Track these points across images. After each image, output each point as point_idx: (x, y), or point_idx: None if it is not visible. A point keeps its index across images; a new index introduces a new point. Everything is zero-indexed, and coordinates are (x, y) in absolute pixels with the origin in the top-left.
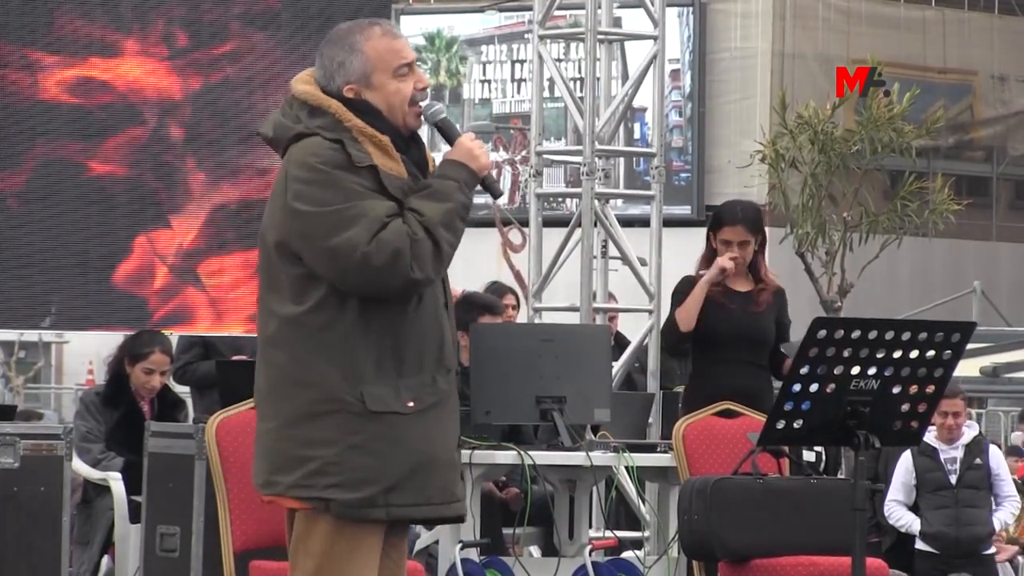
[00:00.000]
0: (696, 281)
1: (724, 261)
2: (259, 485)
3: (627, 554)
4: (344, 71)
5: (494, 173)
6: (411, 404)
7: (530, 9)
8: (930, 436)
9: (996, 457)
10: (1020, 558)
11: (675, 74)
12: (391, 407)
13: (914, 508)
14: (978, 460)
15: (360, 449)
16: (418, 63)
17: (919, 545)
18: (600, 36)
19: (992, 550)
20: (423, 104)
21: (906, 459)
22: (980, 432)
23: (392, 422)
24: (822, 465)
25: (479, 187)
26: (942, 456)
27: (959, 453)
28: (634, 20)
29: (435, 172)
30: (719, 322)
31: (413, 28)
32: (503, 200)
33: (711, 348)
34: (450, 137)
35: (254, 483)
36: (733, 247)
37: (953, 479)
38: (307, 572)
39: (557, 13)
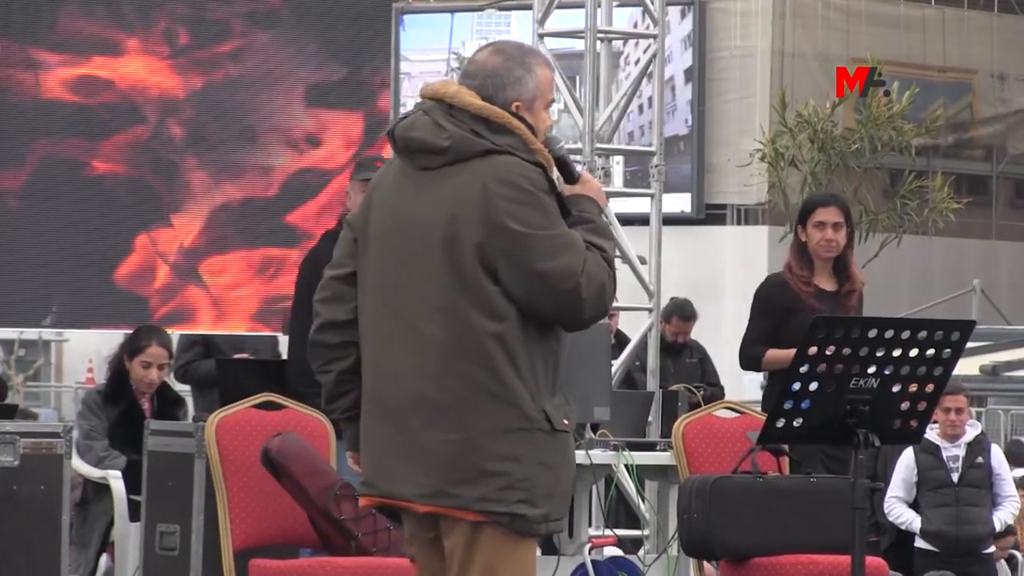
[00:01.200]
0: (782, 282)
1: None
2: (423, 495)
3: (611, 550)
4: (518, 87)
5: None
6: (566, 422)
7: (529, 8)
8: (932, 433)
9: (998, 456)
10: (1018, 555)
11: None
12: (560, 425)
13: (913, 505)
14: (980, 459)
15: (544, 466)
16: None
17: (919, 543)
18: (600, 35)
19: (991, 549)
20: (558, 144)
21: (908, 456)
22: (982, 431)
23: (563, 440)
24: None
25: None
26: (944, 454)
27: (961, 451)
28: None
29: (579, 206)
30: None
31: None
32: None
33: None
34: (569, 171)
35: (399, 492)
36: (828, 229)
37: (955, 477)
38: None
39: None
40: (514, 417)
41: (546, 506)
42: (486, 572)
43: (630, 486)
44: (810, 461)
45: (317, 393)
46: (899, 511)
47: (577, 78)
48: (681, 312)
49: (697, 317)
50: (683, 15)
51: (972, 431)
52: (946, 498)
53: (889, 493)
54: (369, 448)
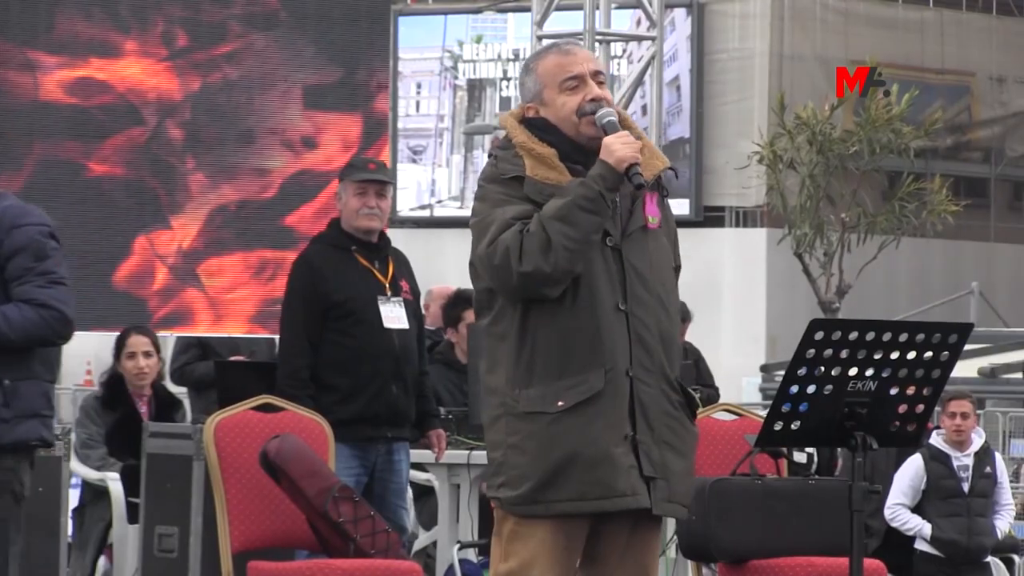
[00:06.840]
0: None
1: None
2: None
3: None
4: (524, 93)
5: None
6: (560, 404)
7: (527, 10)
8: (939, 440)
9: (1000, 464)
10: (1016, 559)
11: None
12: (540, 407)
13: (915, 510)
14: (988, 468)
15: (517, 449)
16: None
17: (922, 547)
18: (598, 37)
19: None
20: (597, 113)
21: (916, 463)
22: (985, 441)
23: (541, 422)
24: (813, 467)
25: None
26: (955, 463)
27: (970, 460)
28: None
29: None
30: None
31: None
32: None
33: None
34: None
35: None
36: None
37: (965, 487)
38: (497, 562)
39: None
40: (496, 406)
41: (523, 487)
42: (505, 554)
43: None
44: None
45: (309, 396)
46: (906, 517)
47: None
48: None
49: (692, 319)
50: (688, 15)
51: (979, 440)
52: (957, 508)
53: (893, 499)
54: None
